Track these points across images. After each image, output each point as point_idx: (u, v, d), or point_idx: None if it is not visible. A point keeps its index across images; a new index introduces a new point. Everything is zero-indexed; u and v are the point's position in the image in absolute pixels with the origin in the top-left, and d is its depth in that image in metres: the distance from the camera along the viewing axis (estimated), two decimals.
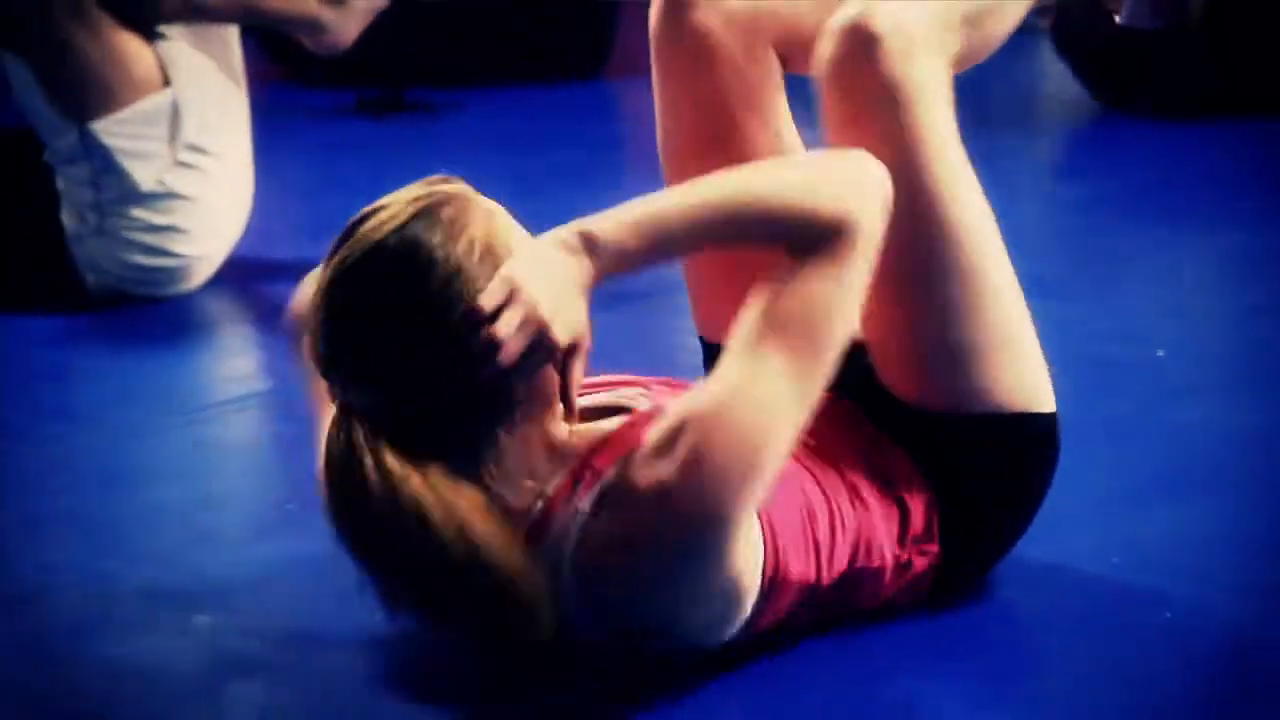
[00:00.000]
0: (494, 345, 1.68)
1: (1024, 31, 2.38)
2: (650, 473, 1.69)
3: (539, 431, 1.77)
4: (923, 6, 1.91)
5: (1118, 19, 2.07)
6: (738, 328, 1.76)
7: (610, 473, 1.72)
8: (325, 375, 1.74)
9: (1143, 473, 2.38)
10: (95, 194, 3.27)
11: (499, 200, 1.79)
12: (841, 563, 1.85)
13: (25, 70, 3.25)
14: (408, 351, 1.70)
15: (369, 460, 1.68)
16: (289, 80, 5.48)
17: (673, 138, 2.06)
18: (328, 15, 3.38)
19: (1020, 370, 1.94)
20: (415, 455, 1.71)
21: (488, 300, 1.68)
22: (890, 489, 1.91)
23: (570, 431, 1.79)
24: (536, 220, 1.83)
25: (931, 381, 1.93)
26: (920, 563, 1.92)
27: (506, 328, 1.68)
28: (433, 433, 1.73)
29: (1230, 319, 3.27)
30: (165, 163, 3.26)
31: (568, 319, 1.71)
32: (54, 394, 2.98)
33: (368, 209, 1.74)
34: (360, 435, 1.69)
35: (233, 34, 3.45)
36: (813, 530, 1.82)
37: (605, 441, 1.78)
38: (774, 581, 1.78)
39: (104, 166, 3.24)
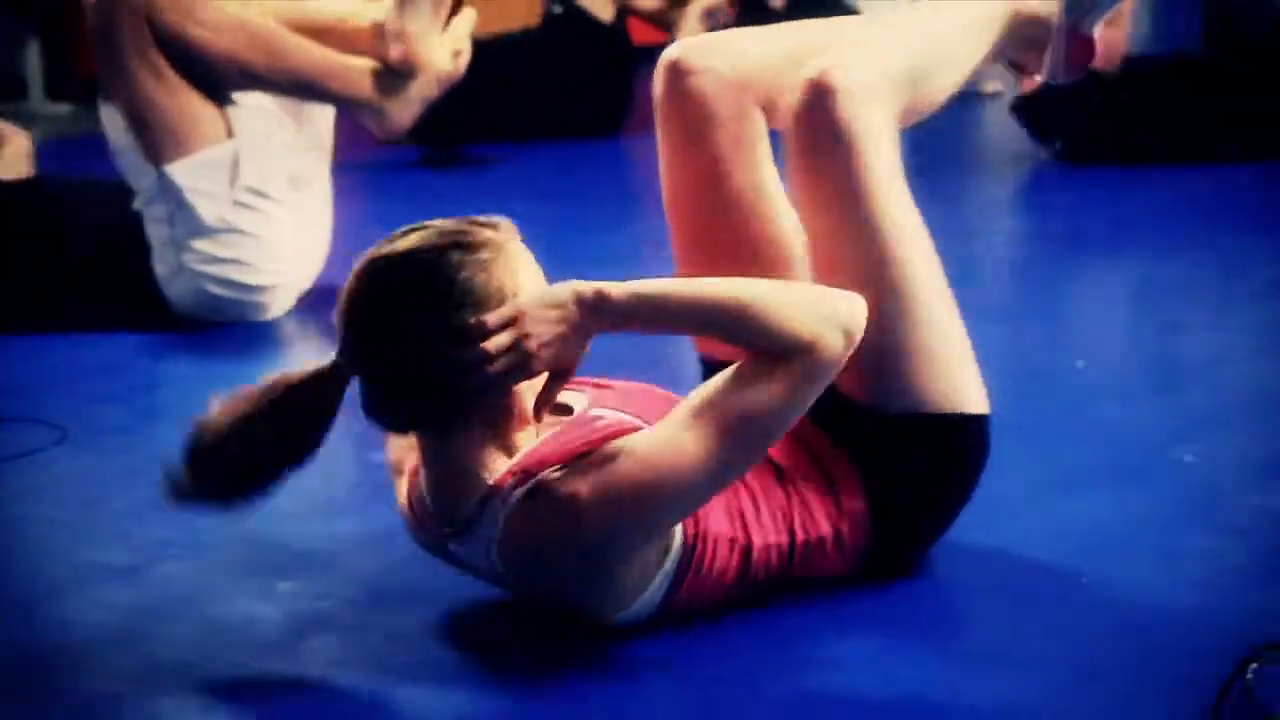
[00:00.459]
0: (482, 358, 1.77)
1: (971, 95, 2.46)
2: (572, 485, 1.79)
3: (499, 433, 1.86)
4: (874, 67, 2.02)
5: (1037, 77, 2.36)
6: (696, 393, 1.84)
7: (543, 474, 1.80)
8: (338, 351, 1.83)
9: (1065, 465, 2.50)
10: (170, 230, 3.44)
11: (531, 243, 1.88)
12: (772, 529, 1.93)
13: (120, 118, 3.44)
14: (405, 338, 1.79)
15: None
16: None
17: (676, 188, 2.12)
18: (386, 103, 3.53)
19: (951, 375, 2.00)
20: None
21: (492, 319, 1.77)
22: (819, 466, 1.98)
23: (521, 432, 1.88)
24: (560, 263, 1.92)
25: (871, 380, 1.99)
26: (854, 535, 1.98)
27: (496, 346, 1.76)
28: (409, 410, 1.84)
29: (1141, 334, 3.48)
30: (226, 202, 3.41)
31: (557, 354, 1.79)
32: (155, 399, 3.13)
33: (416, 224, 1.84)
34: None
35: (322, 108, 3.58)
36: (736, 499, 1.92)
37: (541, 444, 1.86)
38: (698, 537, 1.88)
39: (177, 204, 3.42)
